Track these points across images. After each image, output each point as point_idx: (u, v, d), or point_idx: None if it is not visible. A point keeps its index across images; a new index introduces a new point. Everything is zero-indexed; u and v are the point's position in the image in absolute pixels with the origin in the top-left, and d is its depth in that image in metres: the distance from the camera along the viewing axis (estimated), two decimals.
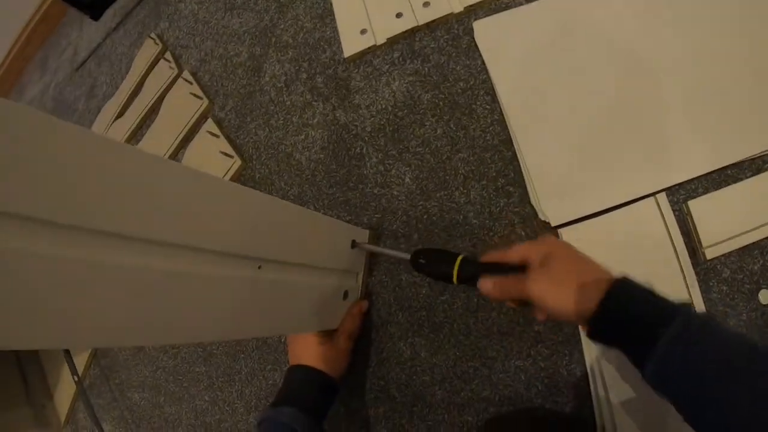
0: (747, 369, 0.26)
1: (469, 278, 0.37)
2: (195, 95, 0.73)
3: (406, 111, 0.56)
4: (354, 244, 0.48)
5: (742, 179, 0.42)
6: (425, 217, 0.51)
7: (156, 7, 0.93)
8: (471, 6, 0.58)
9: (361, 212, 0.54)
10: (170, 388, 0.67)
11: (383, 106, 0.57)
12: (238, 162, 0.64)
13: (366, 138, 0.56)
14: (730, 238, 0.42)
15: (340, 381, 0.47)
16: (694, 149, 0.45)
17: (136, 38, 0.92)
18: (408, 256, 0.41)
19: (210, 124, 0.69)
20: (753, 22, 0.47)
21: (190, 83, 0.75)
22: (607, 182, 0.46)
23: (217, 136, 0.67)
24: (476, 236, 0.48)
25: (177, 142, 0.73)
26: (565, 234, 0.45)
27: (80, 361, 0.79)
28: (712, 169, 0.44)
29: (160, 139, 0.76)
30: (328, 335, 0.47)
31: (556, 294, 0.32)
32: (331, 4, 0.66)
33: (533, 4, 0.55)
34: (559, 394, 0.43)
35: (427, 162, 0.53)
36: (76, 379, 0.76)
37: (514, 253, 0.36)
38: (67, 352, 0.80)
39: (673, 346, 0.27)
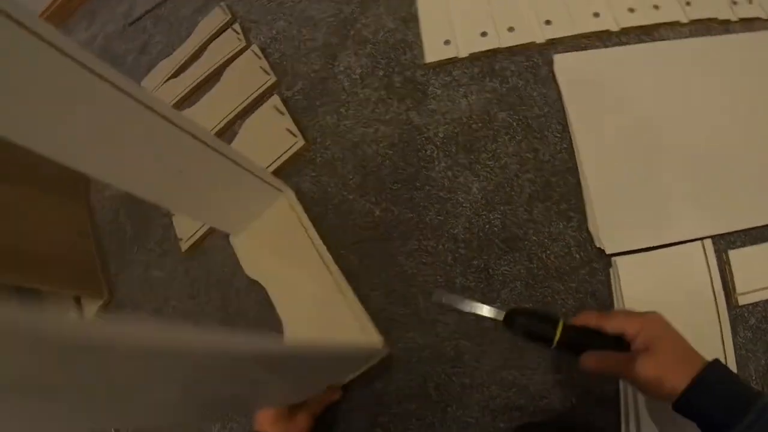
0: None
1: (568, 344, 0.39)
2: (264, 69, 0.78)
3: (480, 125, 0.62)
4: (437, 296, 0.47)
5: None
6: (487, 227, 0.57)
7: None
8: (552, 40, 0.65)
9: (423, 211, 0.60)
10: None
11: (458, 116, 0.63)
12: (302, 142, 0.69)
13: (438, 143, 0.63)
14: (761, 289, 0.49)
15: None
16: (742, 204, 0.53)
17: (201, 5, 0.97)
18: (501, 315, 0.41)
19: (276, 101, 0.74)
20: None
21: (259, 57, 0.80)
22: (662, 221, 0.53)
23: (283, 114, 0.73)
24: (534, 253, 0.55)
25: (236, 111, 0.78)
26: (619, 261, 0.52)
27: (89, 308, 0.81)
28: (755, 225, 0.52)
29: (216, 106, 0.81)
30: (293, 408, 0.49)
31: (660, 381, 0.36)
32: (416, 10, 0.73)
33: (613, 49, 0.63)
34: (591, 412, 0.49)
35: (496, 176, 0.59)
36: None
37: (613, 322, 0.39)
38: (77, 298, 0.82)
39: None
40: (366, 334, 0.54)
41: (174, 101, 0.89)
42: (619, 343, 0.38)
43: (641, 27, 0.65)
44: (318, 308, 0.59)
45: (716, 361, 0.37)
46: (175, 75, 0.93)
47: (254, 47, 0.83)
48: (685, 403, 0.36)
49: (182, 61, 0.92)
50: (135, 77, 1.01)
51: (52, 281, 0.73)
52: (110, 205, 0.90)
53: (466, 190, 0.59)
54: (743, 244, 0.52)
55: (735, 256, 0.51)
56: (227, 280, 0.69)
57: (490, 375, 0.52)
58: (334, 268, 0.59)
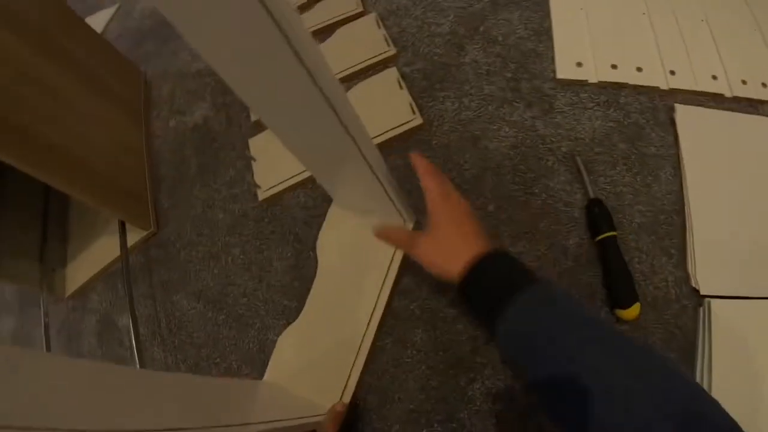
0: (575, 336, 0.35)
1: None
2: (385, 39, 0.80)
3: (601, 149, 0.68)
4: None
5: None
6: (593, 248, 0.62)
7: None
8: (674, 89, 0.72)
9: (537, 218, 0.64)
10: (238, 311, 0.70)
11: (581, 136, 0.69)
12: (420, 121, 0.72)
13: (559, 156, 0.67)
14: None
15: None
16: None
17: None
18: None
19: (395, 73, 0.77)
20: None
21: (379, 26, 0.82)
22: (759, 276, 0.60)
23: (402, 88, 0.75)
24: (635, 280, 0.60)
25: (346, 73, 0.80)
26: (713, 303, 0.58)
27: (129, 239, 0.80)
28: None
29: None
30: None
31: (439, 265, 0.44)
32: (550, 26, 0.77)
33: (734, 114, 0.70)
34: None
35: (609, 201, 0.64)
36: (123, 254, 0.77)
37: (425, 179, 0.49)
38: (122, 224, 0.81)
39: (520, 309, 0.37)
40: None
41: None
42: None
43: (749, 99, 0.73)
44: None
45: (500, 248, 0.43)
46: None
47: (373, 14, 0.84)
48: (467, 285, 0.41)
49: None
50: None
51: (98, 198, 0.72)
52: (174, 137, 0.89)
53: (582, 207, 0.64)
54: None
55: None
56: (308, 239, 0.70)
57: None
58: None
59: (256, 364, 0.65)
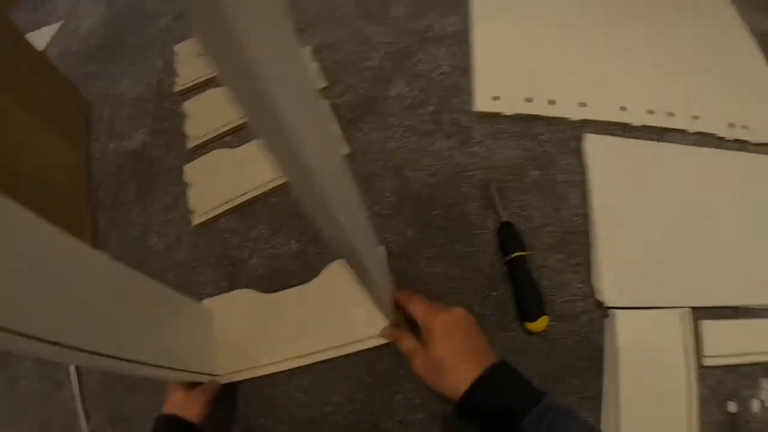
0: None
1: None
2: (318, 73, 0.86)
3: (514, 177, 0.74)
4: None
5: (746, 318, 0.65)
6: (504, 267, 0.68)
7: None
8: (585, 120, 0.79)
9: (454, 240, 0.70)
10: None
11: (496, 164, 0.75)
12: (347, 150, 0.78)
13: (475, 183, 0.73)
14: (722, 356, 0.63)
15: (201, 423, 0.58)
16: (723, 285, 0.67)
17: None
18: None
19: (326, 104, 0.83)
20: None
21: (312, 59, 0.88)
22: (656, 288, 0.66)
23: (331, 122, 0.81)
24: (544, 295, 0.66)
25: None
26: (617, 314, 0.64)
27: None
28: (732, 304, 0.66)
29: None
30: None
31: (435, 379, 0.43)
32: (472, 62, 0.84)
33: (639, 141, 0.77)
34: None
35: (520, 223, 0.70)
36: None
37: (412, 306, 0.48)
38: None
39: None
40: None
41: (209, 77, 0.95)
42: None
43: (655, 128, 0.80)
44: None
45: (502, 362, 0.42)
46: None
47: (309, 47, 0.91)
48: (468, 402, 0.40)
49: None
50: (166, 42, 1.06)
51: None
52: (113, 160, 0.93)
53: (494, 230, 0.70)
54: (715, 318, 0.66)
55: (707, 326, 0.65)
56: (240, 263, 0.74)
57: None
58: None
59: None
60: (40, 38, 1.17)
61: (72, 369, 0.73)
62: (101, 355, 0.43)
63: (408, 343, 0.48)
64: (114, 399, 0.69)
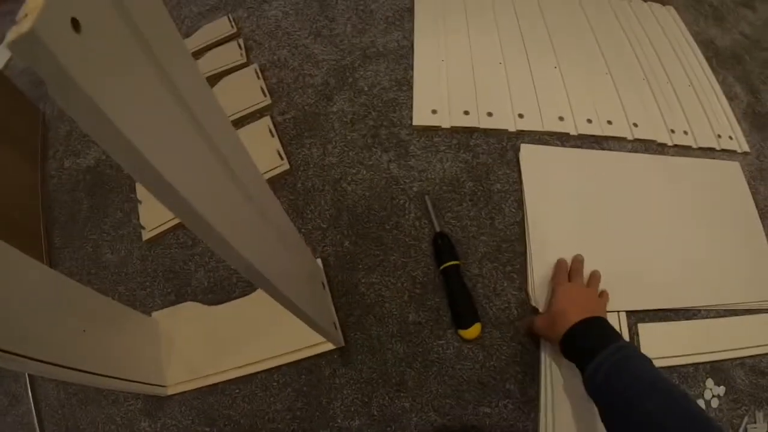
0: (646, 393, 0.48)
1: None
2: (262, 89, 0.89)
3: (449, 188, 0.76)
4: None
5: (678, 320, 0.67)
6: (442, 275, 0.70)
7: None
8: (522, 131, 0.82)
9: (389, 251, 0.72)
10: None
11: (432, 177, 0.77)
12: (287, 166, 0.80)
13: (411, 195, 0.76)
14: (661, 357, 0.65)
15: None
16: (655, 290, 0.69)
17: (207, 10, 1.07)
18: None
19: (268, 122, 0.85)
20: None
21: (258, 77, 0.91)
22: None
23: (273, 136, 0.83)
24: (479, 303, 0.68)
25: None
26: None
27: None
28: (666, 307, 0.69)
29: None
30: None
31: (548, 336, 0.62)
32: (411, 77, 0.87)
33: (572, 150, 0.80)
34: None
35: (455, 233, 0.72)
36: None
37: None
38: None
39: (599, 363, 0.52)
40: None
41: None
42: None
43: (594, 136, 0.83)
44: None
45: (598, 317, 0.58)
46: None
47: (255, 66, 0.94)
48: (564, 341, 0.57)
49: None
50: None
51: None
52: (69, 177, 0.94)
53: (429, 240, 0.72)
54: (650, 321, 0.69)
55: (644, 329, 0.67)
56: (187, 276, 0.76)
57: (429, 402, 0.63)
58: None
59: (150, 397, 0.69)
60: (1, 55, 1.17)
61: (27, 382, 0.73)
62: (51, 364, 0.46)
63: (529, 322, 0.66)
64: (69, 412, 0.70)
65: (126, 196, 0.87)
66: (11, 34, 0.16)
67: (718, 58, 1.00)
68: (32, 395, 0.72)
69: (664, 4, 1.09)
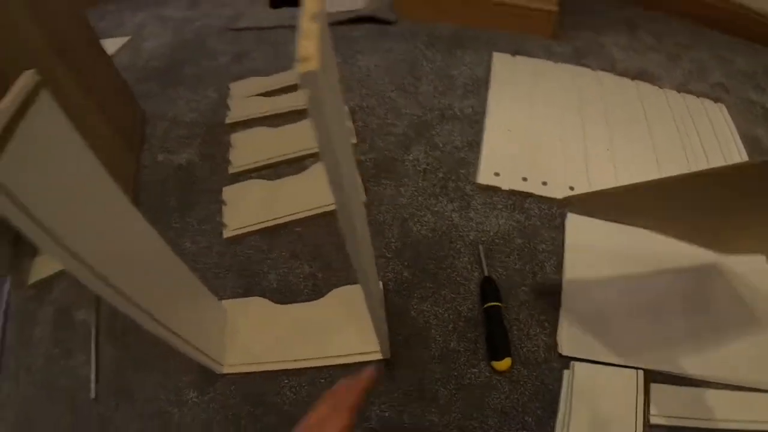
0: None
1: None
2: (349, 130, 1.07)
3: (501, 241, 0.91)
4: None
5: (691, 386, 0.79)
6: (481, 314, 0.84)
7: (334, 40, 1.30)
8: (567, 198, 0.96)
9: (441, 286, 0.87)
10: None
11: (487, 229, 0.93)
12: (364, 198, 0.97)
13: (467, 242, 0.91)
14: (667, 416, 0.77)
15: None
16: (675, 354, 0.82)
17: None
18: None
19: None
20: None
21: (348, 119, 1.10)
22: (615, 348, 0.81)
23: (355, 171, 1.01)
24: (513, 342, 0.82)
25: (312, 151, 1.06)
26: (576, 366, 0.79)
27: None
28: (682, 373, 0.80)
29: (296, 139, 1.09)
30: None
31: None
32: (481, 141, 1.04)
33: (614, 224, 0.94)
34: None
35: (501, 280, 0.87)
36: None
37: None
38: None
39: None
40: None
41: (257, 116, 1.17)
42: None
43: None
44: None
45: None
46: (266, 95, 1.21)
47: (346, 108, 1.12)
48: None
49: (275, 87, 1.20)
50: (221, 78, 1.29)
51: None
52: (160, 170, 1.13)
53: (477, 282, 0.87)
54: (664, 382, 0.80)
55: (656, 388, 0.79)
56: (258, 276, 0.92)
57: (457, 420, 0.77)
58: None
59: (203, 373, 0.84)
60: (107, 48, 1.29)
61: (93, 337, 0.89)
62: (148, 314, 0.60)
63: None
64: (123, 374, 0.85)
65: (213, 197, 1.05)
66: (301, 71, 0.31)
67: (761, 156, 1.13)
68: (95, 349, 0.87)
69: (716, 102, 1.23)
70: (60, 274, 1.00)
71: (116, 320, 0.92)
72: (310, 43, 0.30)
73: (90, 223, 0.53)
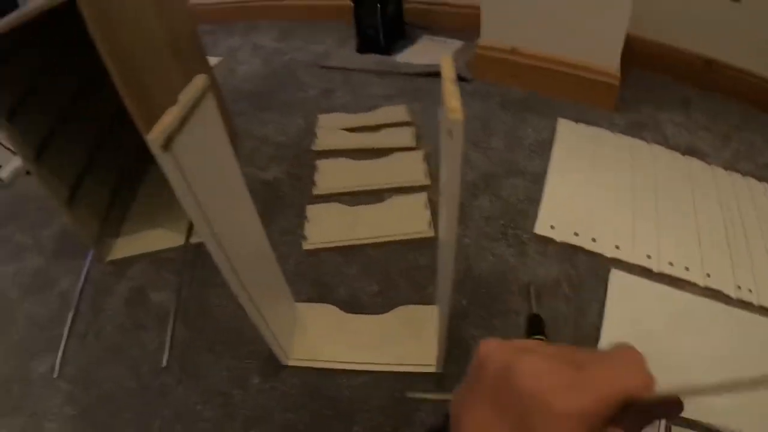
0: None
1: None
2: (425, 173, 1.24)
3: (550, 286, 1.06)
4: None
5: None
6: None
7: (414, 90, 1.49)
8: (616, 259, 1.11)
9: (493, 316, 1.02)
10: None
11: (538, 273, 1.08)
12: (432, 233, 1.13)
13: (519, 282, 1.06)
14: None
15: None
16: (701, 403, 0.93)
17: (388, 94, 1.47)
18: None
19: (425, 198, 1.20)
20: None
21: (424, 162, 1.27)
22: None
23: (427, 209, 1.18)
24: None
25: (390, 186, 1.24)
26: None
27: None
28: (706, 422, 0.92)
29: (376, 173, 1.27)
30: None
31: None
32: (541, 196, 1.20)
33: (655, 284, 1.08)
34: None
35: (546, 320, 1.01)
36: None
37: None
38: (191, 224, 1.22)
39: None
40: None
41: (342, 148, 1.36)
42: None
43: (672, 276, 1.10)
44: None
45: None
46: (350, 130, 1.40)
47: (422, 152, 1.30)
48: None
49: (358, 125, 1.40)
50: (310, 109, 1.50)
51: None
52: (246, 183, 1.31)
53: (525, 317, 1.01)
54: (687, 427, 0.92)
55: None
56: (330, 288, 1.09)
57: None
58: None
59: (269, 361, 1.00)
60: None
61: (172, 316, 1.05)
62: (241, 282, 0.72)
63: None
64: (191, 354, 0.99)
65: (295, 213, 1.23)
66: (451, 120, 0.48)
67: None
68: (172, 327, 1.04)
69: (760, 181, 1.34)
70: (139, 257, 1.18)
71: (192, 305, 1.09)
72: (455, 100, 0.48)
73: (226, 208, 0.69)
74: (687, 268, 1.12)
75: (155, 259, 1.21)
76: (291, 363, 0.96)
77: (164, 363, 0.98)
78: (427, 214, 1.18)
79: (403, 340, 0.99)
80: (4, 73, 0.99)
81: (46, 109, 1.11)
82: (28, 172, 1.62)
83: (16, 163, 1.70)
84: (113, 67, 0.89)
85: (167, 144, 0.51)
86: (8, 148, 1.77)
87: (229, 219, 0.70)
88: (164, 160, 0.51)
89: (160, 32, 1.09)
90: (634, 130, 1.46)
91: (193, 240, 1.19)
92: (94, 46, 0.85)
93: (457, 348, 0.98)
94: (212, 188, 0.62)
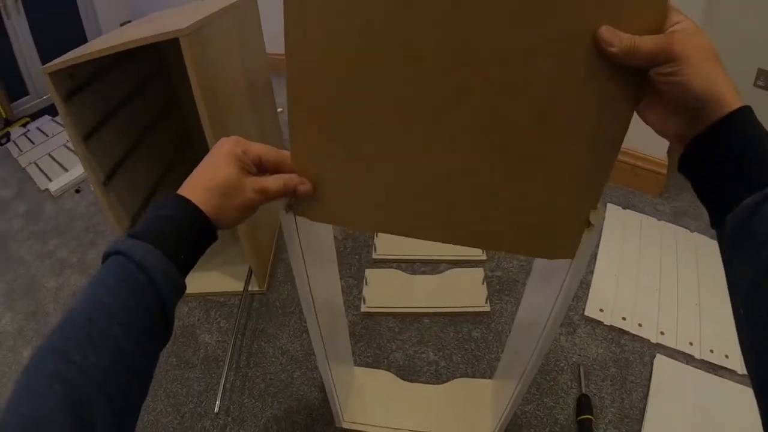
0: None
1: None
2: (482, 248, 1.42)
3: (598, 367, 1.21)
4: None
5: None
6: (575, 424, 1.13)
7: None
8: (660, 344, 1.26)
9: (545, 394, 1.17)
10: (314, 375, 1.25)
11: (587, 354, 1.23)
12: (487, 308, 1.30)
13: (570, 362, 1.22)
14: None
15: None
16: None
17: None
18: None
19: (481, 273, 1.37)
20: None
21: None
22: None
23: (483, 284, 1.34)
24: None
25: (448, 258, 1.41)
26: None
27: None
28: None
29: (436, 247, 1.44)
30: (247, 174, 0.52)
31: (664, 121, 0.38)
32: (591, 280, 1.36)
33: (697, 371, 1.22)
34: None
35: (594, 399, 1.16)
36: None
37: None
38: (250, 271, 1.39)
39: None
40: None
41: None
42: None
43: (711, 363, 1.25)
44: None
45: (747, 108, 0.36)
46: None
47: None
48: (704, 144, 0.37)
49: None
50: None
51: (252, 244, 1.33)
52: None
53: (575, 397, 1.16)
54: None
55: None
56: (387, 351, 1.24)
57: None
58: None
59: (319, 409, 1.15)
60: None
61: (226, 363, 1.19)
62: (322, 340, 0.92)
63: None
64: (240, 401, 1.13)
65: (352, 274, 1.41)
66: None
67: None
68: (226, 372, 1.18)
69: None
70: (189, 295, 1.31)
71: (243, 352, 1.24)
72: None
73: (320, 266, 0.79)
74: (726, 356, 1.27)
75: (206, 300, 1.37)
76: (345, 426, 1.08)
77: (216, 409, 1.10)
78: (484, 289, 1.34)
79: (458, 412, 1.14)
80: (98, 88, 1.14)
81: (122, 137, 1.26)
82: (77, 191, 1.84)
83: (65, 179, 1.94)
84: (203, 102, 0.99)
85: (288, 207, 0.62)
86: (60, 164, 1.99)
87: (321, 277, 0.78)
88: (287, 221, 0.63)
89: (241, 75, 1.26)
90: (677, 216, 1.63)
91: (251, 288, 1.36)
92: (171, 81, 0.97)
93: (511, 424, 1.13)
94: (314, 246, 0.72)
